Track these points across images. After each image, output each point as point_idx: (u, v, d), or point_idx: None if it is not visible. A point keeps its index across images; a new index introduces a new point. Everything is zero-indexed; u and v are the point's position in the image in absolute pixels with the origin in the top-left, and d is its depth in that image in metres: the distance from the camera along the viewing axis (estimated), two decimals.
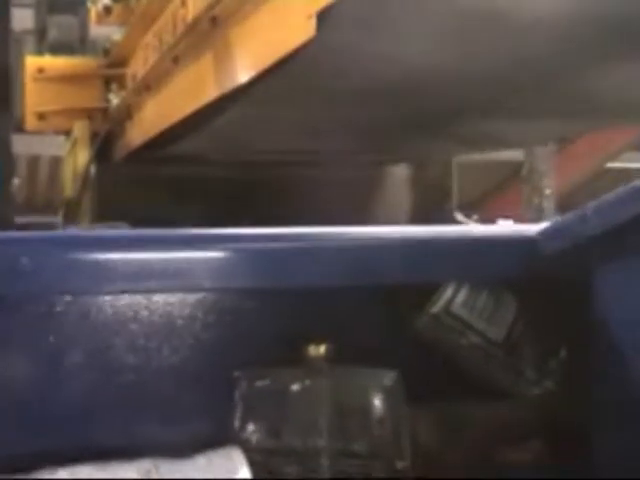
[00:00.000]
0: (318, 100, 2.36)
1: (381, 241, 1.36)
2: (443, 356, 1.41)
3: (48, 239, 1.28)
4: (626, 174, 6.54)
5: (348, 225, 1.39)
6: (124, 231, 1.79)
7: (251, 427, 1.31)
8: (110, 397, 1.32)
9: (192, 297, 1.35)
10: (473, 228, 1.80)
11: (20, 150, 4.57)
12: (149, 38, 2.95)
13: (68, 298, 1.29)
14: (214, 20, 2.22)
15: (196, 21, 2.30)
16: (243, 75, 2.13)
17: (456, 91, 2.29)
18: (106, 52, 3.62)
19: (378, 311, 1.41)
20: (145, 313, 1.33)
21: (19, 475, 1.19)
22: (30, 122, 3.70)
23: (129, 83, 3.35)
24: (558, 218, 1.42)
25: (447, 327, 1.38)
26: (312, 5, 1.68)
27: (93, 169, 3.53)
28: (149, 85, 3.00)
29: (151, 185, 3.39)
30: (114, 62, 3.55)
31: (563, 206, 5.21)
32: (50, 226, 3.54)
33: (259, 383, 1.32)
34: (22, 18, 4.05)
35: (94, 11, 3.75)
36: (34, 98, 3.66)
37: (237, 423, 1.32)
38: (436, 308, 1.38)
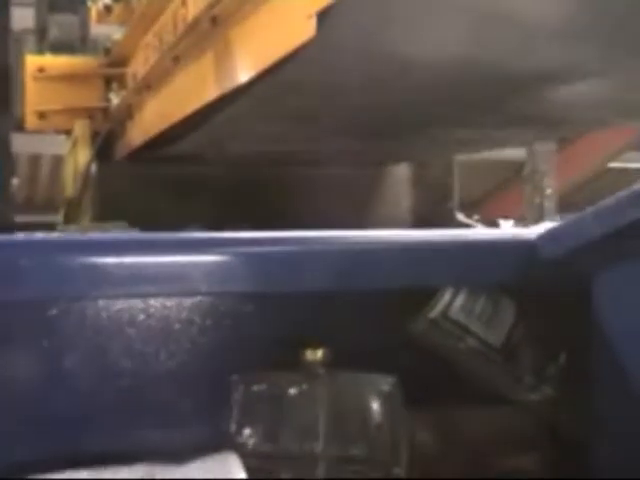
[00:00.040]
0: (318, 100, 2.36)
1: (379, 245, 1.35)
2: (441, 361, 1.41)
3: (43, 243, 1.28)
4: (626, 174, 6.56)
5: (349, 225, 1.39)
6: (121, 234, 1.78)
7: (248, 432, 1.30)
8: (106, 402, 1.31)
9: (189, 301, 1.34)
10: (471, 232, 1.79)
11: (21, 149, 4.59)
12: (149, 37, 2.95)
13: (63, 302, 1.28)
14: (214, 20, 2.22)
15: (196, 21, 2.30)
16: (243, 75, 2.13)
17: (456, 91, 2.28)
18: (107, 51, 3.61)
19: (375, 316, 1.40)
20: (142, 317, 1.32)
21: None
22: (31, 121, 3.69)
23: (130, 82, 3.35)
24: (557, 222, 1.41)
25: (445, 332, 1.38)
26: (312, 5, 1.68)
27: (94, 168, 3.53)
28: (150, 84, 3.00)
29: (152, 184, 3.39)
30: (115, 61, 3.55)
31: (564, 206, 5.21)
32: (50, 226, 3.53)
33: (256, 387, 1.32)
34: (23, 17, 4.05)
35: (95, 10, 3.75)
36: (35, 97, 3.66)
37: (234, 427, 1.31)
38: (434, 313, 1.37)
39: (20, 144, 4.08)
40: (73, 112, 3.65)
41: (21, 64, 3.65)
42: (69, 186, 3.83)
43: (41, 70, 3.65)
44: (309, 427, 1.28)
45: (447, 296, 1.37)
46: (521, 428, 1.44)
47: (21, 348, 1.30)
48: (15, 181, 3.70)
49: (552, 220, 3.55)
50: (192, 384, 1.35)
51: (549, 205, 5.26)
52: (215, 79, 2.31)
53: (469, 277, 1.38)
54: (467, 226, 3.77)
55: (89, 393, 1.31)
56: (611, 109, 2.66)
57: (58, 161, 4.53)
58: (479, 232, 2.18)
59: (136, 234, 1.49)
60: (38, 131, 4.02)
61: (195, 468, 1.22)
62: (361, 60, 1.96)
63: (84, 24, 3.94)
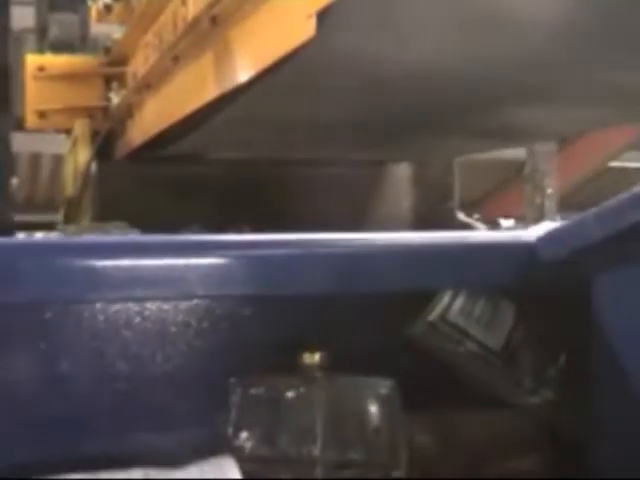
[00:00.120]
0: (318, 100, 2.35)
1: (377, 248, 1.35)
2: (440, 364, 1.40)
3: (41, 245, 1.27)
4: (627, 173, 6.55)
5: (349, 225, 1.38)
6: (119, 237, 1.78)
7: (245, 435, 1.30)
8: (103, 404, 1.31)
9: (186, 304, 1.33)
10: (470, 234, 1.78)
11: (21, 148, 4.58)
12: (149, 37, 2.94)
13: (61, 305, 1.27)
14: (214, 19, 2.21)
15: (196, 20, 2.30)
16: (243, 75, 2.12)
17: (457, 91, 2.28)
18: (107, 50, 3.61)
19: (374, 319, 1.39)
20: (140, 320, 1.32)
21: None
22: (31, 120, 3.69)
23: (130, 82, 3.35)
24: (557, 223, 1.40)
25: (444, 335, 1.37)
26: (312, 5, 1.67)
27: (94, 168, 3.52)
28: (149, 84, 3.00)
29: (152, 184, 3.39)
30: (115, 60, 3.54)
31: (564, 206, 5.20)
32: (50, 225, 3.53)
33: (253, 391, 1.31)
34: (23, 16, 4.05)
35: (95, 9, 3.75)
36: (35, 96, 3.66)
37: (231, 431, 1.30)
38: (433, 316, 1.36)
39: (20, 143, 4.08)
40: (73, 111, 3.65)
41: (21, 63, 3.65)
42: (69, 185, 3.83)
43: (41, 69, 3.65)
44: (307, 431, 1.27)
45: (446, 299, 1.37)
46: (520, 431, 1.43)
47: (18, 350, 1.29)
48: (15, 180, 3.69)
49: (553, 220, 3.54)
50: (190, 387, 1.34)
51: (550, 205, 5.25)
52: (215, 79, 2.31)
53: (469, 279, 1.37)
54: (468, 226, 3.77)
55: (86, 396, 1.30)
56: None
57: (58, 160, 4.53)
58: (478, 234, 2.17)
59: (134, 237, 1.49)
60: (38, 130, 4.03)
61: (192, 472, 1.21)
62: (361, 60, 1.95)
63: (84, 23, 3.94)
